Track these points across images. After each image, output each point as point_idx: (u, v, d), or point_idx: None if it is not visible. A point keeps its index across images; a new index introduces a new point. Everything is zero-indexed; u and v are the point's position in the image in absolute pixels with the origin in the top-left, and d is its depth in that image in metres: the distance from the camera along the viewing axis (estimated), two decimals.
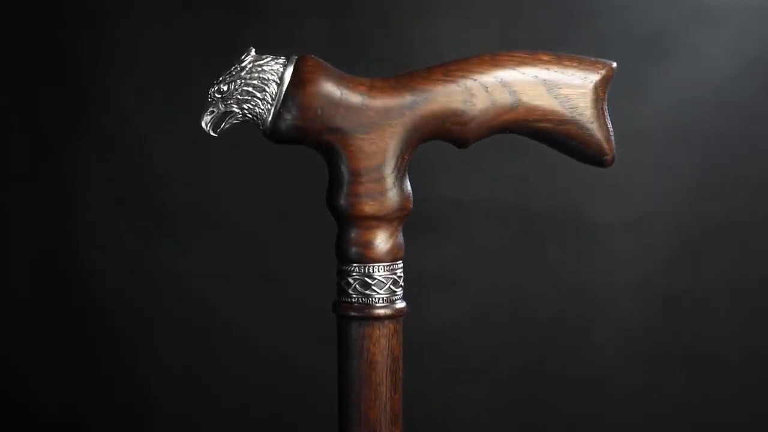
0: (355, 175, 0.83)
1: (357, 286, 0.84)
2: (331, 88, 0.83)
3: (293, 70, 0.83)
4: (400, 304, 0.85)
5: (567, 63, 0.84)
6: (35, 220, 1.70)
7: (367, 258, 0.84)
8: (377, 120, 0.83)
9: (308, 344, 1.69)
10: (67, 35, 1.67)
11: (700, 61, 1.65)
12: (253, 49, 0.84)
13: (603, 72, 0.85)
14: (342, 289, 0.85)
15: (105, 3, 1.67)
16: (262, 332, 1.70)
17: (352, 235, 0.84)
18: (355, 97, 0.83)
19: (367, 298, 0.84)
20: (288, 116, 0.83)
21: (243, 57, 0.84)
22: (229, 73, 0.84)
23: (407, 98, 0.84)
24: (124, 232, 1.69)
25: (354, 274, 0.84)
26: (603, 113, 0.85)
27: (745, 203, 1.68)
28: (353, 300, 0.84)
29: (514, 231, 1.69)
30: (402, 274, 0.86)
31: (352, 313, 0.84)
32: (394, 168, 0.84)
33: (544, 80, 0.83)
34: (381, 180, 0.84)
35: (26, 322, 1.71)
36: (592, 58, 0.85)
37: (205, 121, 0.84)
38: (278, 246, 1.70)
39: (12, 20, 1.66)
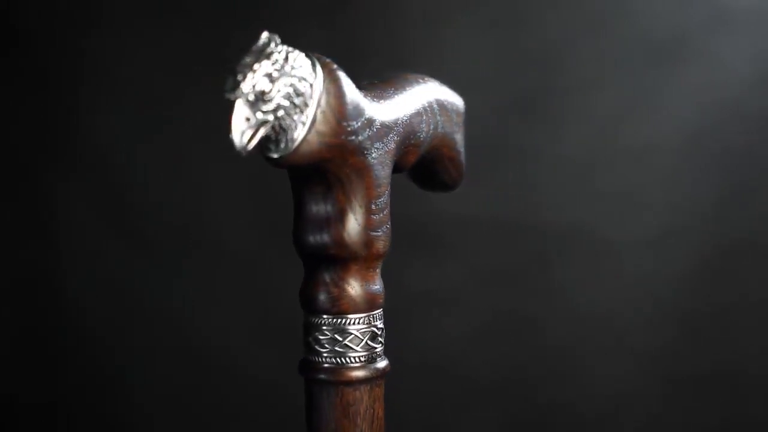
0: (369, 204, 0.70)
1: (329, 341, 0.72)
2: (359, 99, 0.69)
3: (322, 72, 0.66)
4: (382, 363, 0.73)
5: (450, 92, 0.81)
6: (17, 241, 1.69)
7: (342, 308, 0.71)
8: (384, 139, 0.71)
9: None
10: (48, 50, 1.65)
11: (718, 68, 1.65)
12: (277, 36, 0.65)
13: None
14: (310, 346, 0.72)
15: (88, 18, 1.65)
16: (253, 354, 1.69)
17: (329, 278, 0.71)
18: (369, 112, 0.70)
19: (342, 357, 0.72)
20: (326, 131, 0.66)
21: (278, 45, 0.63)
22: (266, 64, 0.63)
23: (396, 115, 0.72)
24: (108, 252, 1.68)
25: (325, 327, 0.72)
26: None
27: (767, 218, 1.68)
28: (324, 360, 0.72)
29: (520, 248, 1.68)
30: (382, 326, 0.73)
31: (323, 376, 0.72)
32: (389, 195, 0.72)
33: (447, 108, 0.79)
34: (385, 210, 0.72)
35: (6, 344, 1.70)
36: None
37: (243, 134, 0.62)
38: (269, 265, 1.68)
39: None
